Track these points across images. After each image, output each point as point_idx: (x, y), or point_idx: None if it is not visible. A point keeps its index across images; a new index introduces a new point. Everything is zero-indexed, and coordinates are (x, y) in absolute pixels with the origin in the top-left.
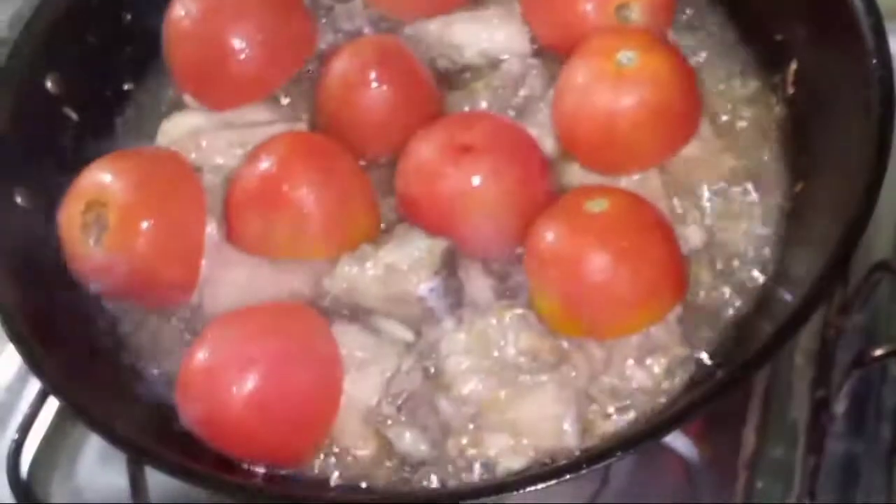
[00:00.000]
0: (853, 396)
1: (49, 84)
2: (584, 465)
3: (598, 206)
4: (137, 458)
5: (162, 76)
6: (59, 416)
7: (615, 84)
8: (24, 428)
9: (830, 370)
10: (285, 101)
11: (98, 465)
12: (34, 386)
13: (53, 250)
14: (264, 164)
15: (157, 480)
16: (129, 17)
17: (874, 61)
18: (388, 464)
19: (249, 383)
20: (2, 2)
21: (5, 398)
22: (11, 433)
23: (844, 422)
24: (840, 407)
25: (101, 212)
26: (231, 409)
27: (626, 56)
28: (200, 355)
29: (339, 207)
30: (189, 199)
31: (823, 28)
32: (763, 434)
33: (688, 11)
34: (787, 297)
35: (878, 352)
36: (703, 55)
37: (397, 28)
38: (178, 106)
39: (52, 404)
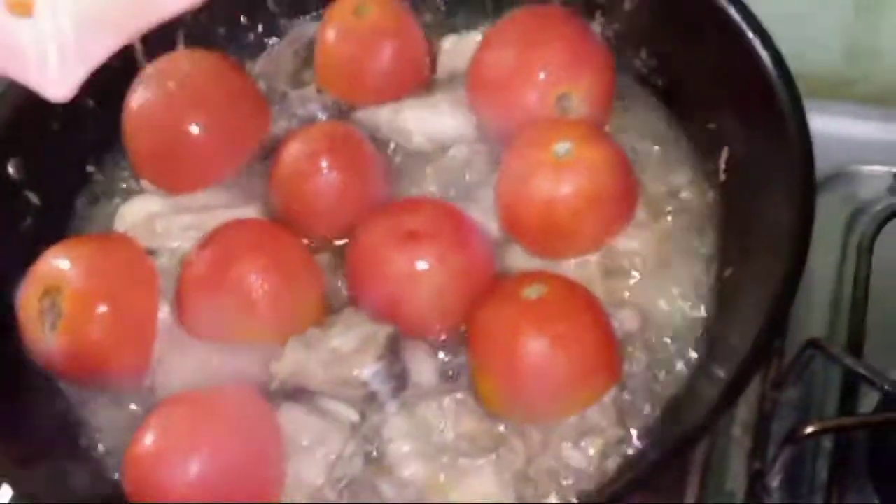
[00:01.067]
0: (788, 469)
1: (11, 170)
2: None
3: (535, 292)
4: None
5: (121, 159)
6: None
7: (553, 174)
8: None
9: (766, 442)
10: (240, 184)
11: None
12: None
13: (13, 335)
14: (213, 251)
15: None
16: (91, 102)
17: (798, 155)
18: None
19: (194, 468)
20: None
21: None
22: None
23: (779, 493)
24: (775, 479)
25: (56, 298)
26: (176, 494)
27: (563, 147)
28: (146, 440)
29: (286, 293)
30: (143, 284)
31: (752, 119)
32: None
33: (625, 101)
34: (717, 376)
35: (810, 429)
36: (639, 144)
37: (349, 113)
38: (137, 189)
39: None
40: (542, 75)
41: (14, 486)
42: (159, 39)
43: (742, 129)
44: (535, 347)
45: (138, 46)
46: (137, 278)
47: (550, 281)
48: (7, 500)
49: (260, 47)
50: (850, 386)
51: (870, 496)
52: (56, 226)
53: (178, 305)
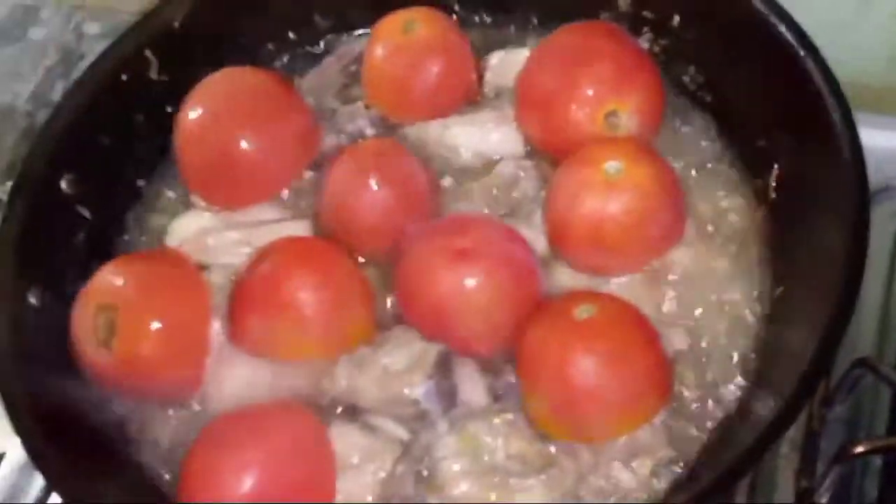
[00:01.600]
0: (836, 487)
1: (64, 185)
2: None
3: (586, 312)
4: None
5: (172, 173)
6: None
7: (603, 193)
8: None
9: (815, 461)
10: (290, 200)
11: None
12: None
13: (64, 349)
14: (264, 269)
15: None
16: (141, 118)
17: (851, 173)
18: None
19: (246, 485)
20: (21, 80)
21: (17, 480)
22: None
23: None
24: (824, 498)
25: (110, 315)
26: None
27: (614, 166)
28: (199, 456)
29: (337, 311)
30: (195, 300)
31: (802, 136)
32: None
33: (673, 118)
34: (769, 401)
35: (859, 449)
36: (688, 162)
37: (397, 129)
38: (187, 204)
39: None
40: (589, 92)
41: (64, 495)
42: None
43: (792, 147)
44: (586, 368)
45: (153, 59)
46: (190, 295)
47: (600, 300)
48: None
49: (308, 63)
50: None
51: None
52: (107, 240)
53: (230, 322)
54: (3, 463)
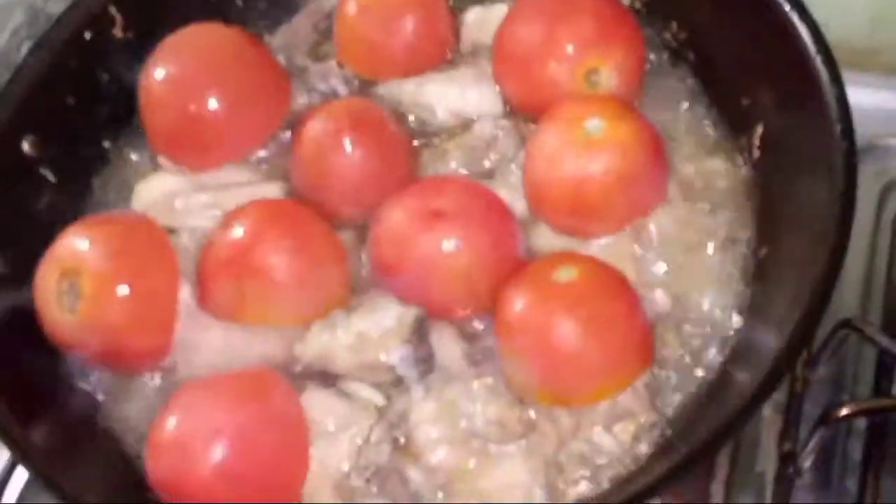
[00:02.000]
0: (820, 449)
1: (26, 146)
2: None
3: (566, 274)
4: None
5: (138, 135)
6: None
7: (583, 152)
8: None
9: (798, 423)
10: (260, 162)
11: None
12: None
13: (29, 316)
14: (235, 232)
15: None
16: (106, 77)
17: (838, 130)
18: None
19: (217, 453)
20: None
21: None
22: None
23: (811, 474)
24: (807, 461)
25: (75, 280)
26: (199, 479)
27: (594, 124)
28: (168, 425)
29: (310, 275)
30: (163, 265)
31: (788, 94)
32: (731, 487)
33: (654, 76)
34: (753, 364)
35: (844, 411)
36: (671, 119)
37: (370, 88)
38: (154, 166)
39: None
40: (570, 49)
41: (32, 468)
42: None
43: (777, 104)
44: (567, 331)
45: (117, 16)
46: (158, 259)
47: (581, 262)
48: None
49: (278, 20)
50: (885, 366)
51: None
52: (72, 204)
53: (200, 287)
54: None
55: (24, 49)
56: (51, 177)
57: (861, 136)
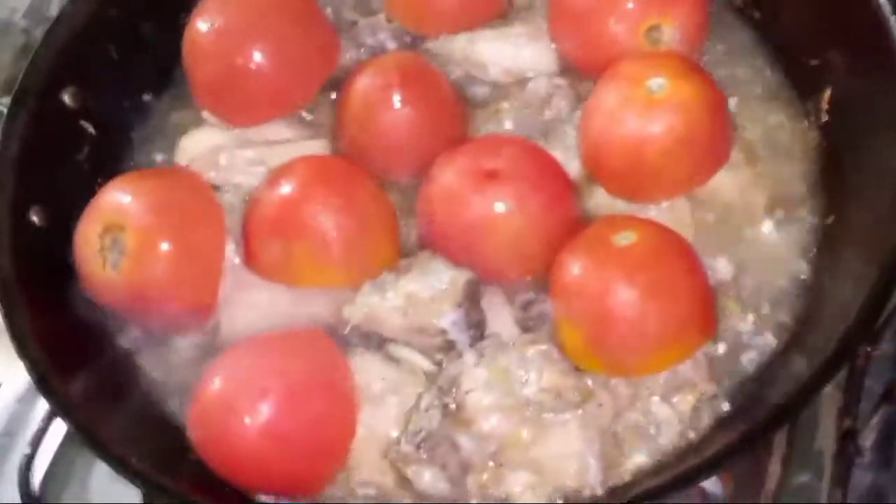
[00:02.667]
0: (882, 428)
1: (66, 98)
2: None
3: (625, 238)
4: (149, 492)
5: (181, 89)
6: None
7: (644, 111)
8: (35, 442)
9: (859, 400)
10: (307, 118)
11: (110, 480)
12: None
13: (69, 271)
14: (283, 190)
15: None
16: (147, 28)
17: None
18: (405, 497)
19: (263, 414)
20: None
21: (17, 410)
22: (23, 447)
23: (872, 453)
24: (868, 439)
25: (118, 235)
26: (244, 440)
27: (657, 83)
28: (214, 385)
29: (359, 235)
30: (208, 221)
31: (860, 56)
32: (788, 464)
33: (719, 35)
34: (818, 341)
35: None
36: (735, 80)
37: (421, 43)
38: (197, 121)
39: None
40: (630, 5)
41: (71, 423)
42: None
43: (849, 68)
44: (627, 298)
45: None
46: (203, 215)
47: (641, 226)
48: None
49: None
50: None
51: None
52: (112, 158)
53: (246, 245)
54: (1, 392)
55: (54, 2)
56: (91, 129)
57: None
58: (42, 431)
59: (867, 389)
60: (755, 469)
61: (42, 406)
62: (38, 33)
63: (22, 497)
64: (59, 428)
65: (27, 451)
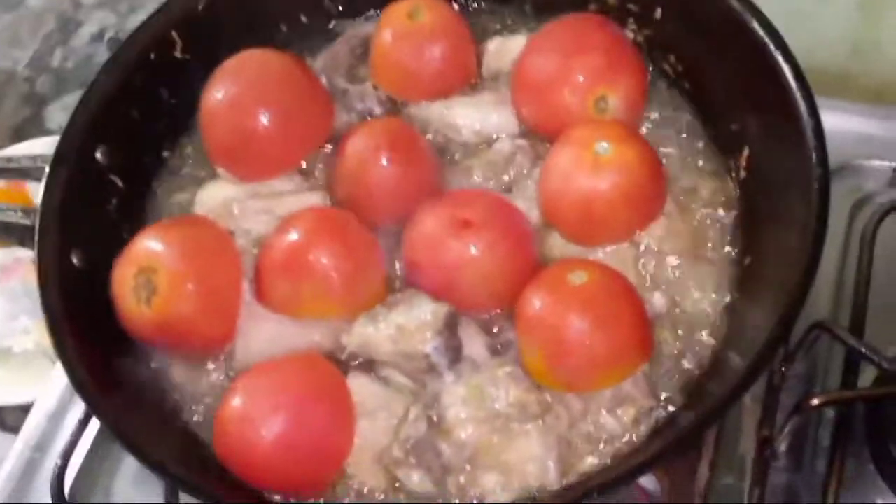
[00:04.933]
0: (793, 436)
1: (99, 155)
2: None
3: (578, 278)
4: (177, 486)
5: (196, 146)
6: (97, 442)
7: (592, 170)
8: (66, 454)
9: (774, 412)
10: (304, 173)
11: (134, 485)
12: (74, 416)
13: (105, 304)
14: (292, 236)
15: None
16: (166, 93)
17: (814, 158)
18: (395, 496)
19: (276, 426)
20: (20, 46)
21: (46, 427)
22: (52, 460)
23: (786, 458)
24: (782, 445)
25: (150, 276)
26: (261, 449)
27: (602, 146)
28: (233, 403)
29: (356, 274)
30: (228, 263)
31: (771, 123)
32: (715, 467)
33: (656, 104)
34: (737, 358)
35: (815, 401)
36: (668, 142)
37: (402, 108)
38: (211, 175)
39: (91, 432)
40: (581, 78)
41: (120, 437)
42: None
43: (762, 131)
44: (579, 327)
45: (177, 40)
46: (224, 258)
47: (592, 268)
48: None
49: (318, 45)
50: (852, 363)
51: (867, 461)
52: (138, 207)
53: (258, 283)
54: (32, 411)
55: (56, 54)
56: (119, 182)
57: (835, 156)
58: (72, 444)
59: (782, 404)
60: (688, 471)
61: (69, 423)
62: (41, 82)
63: (54, 501)
64: (87, 440)
65: (59, 462)
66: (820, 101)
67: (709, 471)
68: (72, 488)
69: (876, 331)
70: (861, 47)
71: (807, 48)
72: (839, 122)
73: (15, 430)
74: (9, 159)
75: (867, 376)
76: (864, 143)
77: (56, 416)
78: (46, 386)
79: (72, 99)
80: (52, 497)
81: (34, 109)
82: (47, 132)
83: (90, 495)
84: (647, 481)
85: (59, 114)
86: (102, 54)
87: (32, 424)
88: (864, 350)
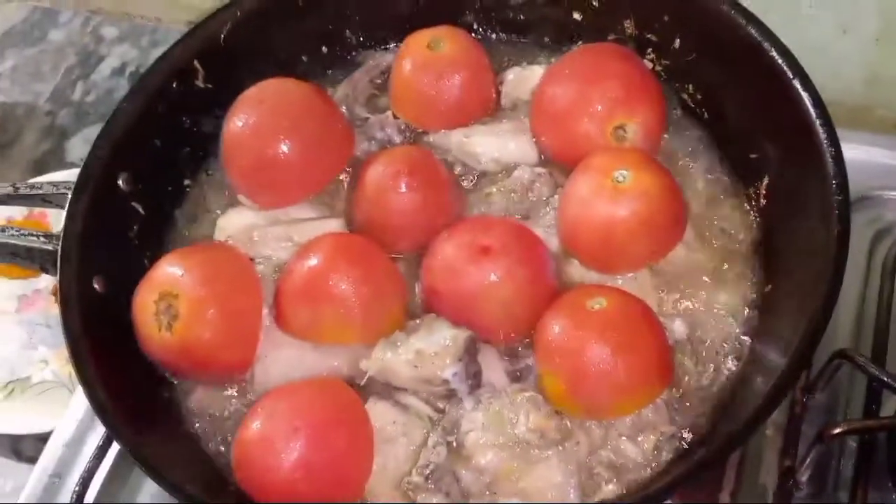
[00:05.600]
0: (815, 466)
1: (121, 183)
2: None
3: (598, 304)
4: None
5: (216, 174)
6: (115, 470)
7: (612, 198)
8: (85, 481)
9: (796, 442)
10: (325, 200)
11: None
12: (92, 443)
13: (126, 330)
14: (312, 262)
15: None
16: (187, 122)
17: (834, 184)
18: None
19: (295, 450)
20: (41, 80)
21: (64, 454)
22: (70, 486)
23: (807, 487)
24: (804, 475)
25: (172, 302)
26: (280, 471)
27: (622, 174)
28: (253, 426)
29: (376, 300)
30: (249, 289)
31: (792, 151)
32: (736, 497)
33: (674, 131)
34: (758, 385)
35: (836, 430)
36: (687, 171)
37: (422, 137)
38: (232, 202)
39: (109, 459)
40: (599, 108)
41: (144, 465)
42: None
43: (782, 160)
44: (599, 354)
45: (199, 69)
46: (244, 284)
47: (611, 294)
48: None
49: (339, 75)
50: (874, 392)
51: (889, 491)
52: (159, 233)
53: (278, 309)
54: (51, 437)
55: (77, 88)
56: (140, 209)
57: (855, 188)
58: (91, 472)
59: (804, 434)
60: (708, 501)
61: (88, 449)
62: (62, 116)
63: None
64: (104, 469)
65: (76, 489)
66: (840, 132)
67: (730, 500)
68: None
69: None
70: (879, 80)
71: (825, 81)
72: (859, 154)
73: (32, 460)
74: (31, 185)
75: (889, 407)
76: (884, 174)
77: (75, 444)
78: (65, 414)
79: (92, 132)
80: None
81: (55, 142)
82: (68, 165)
83: None
84: None
85: (79, 147)
86: (123, 88)
87: (51, 451)
88: (886, 379)
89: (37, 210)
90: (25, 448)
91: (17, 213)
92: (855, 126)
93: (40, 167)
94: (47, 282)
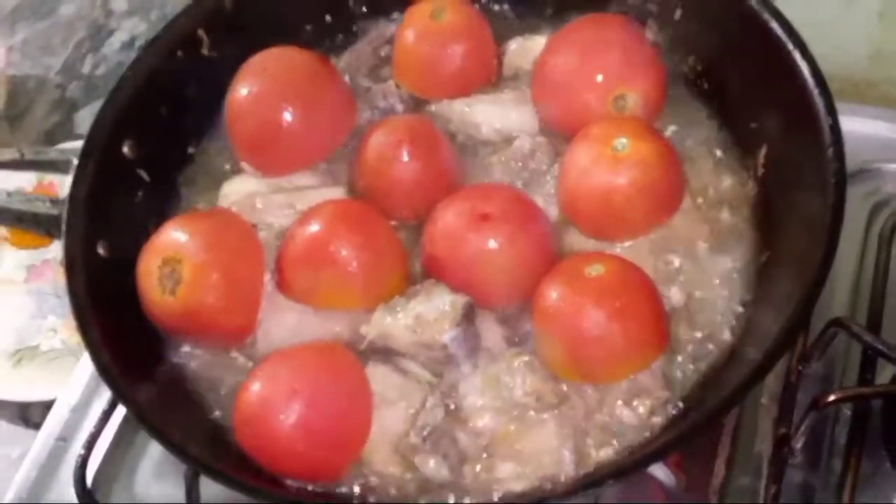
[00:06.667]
0: (810, 434)
1: (125, 150)
2: (580, 490)
3: (595, 270)
4: (199, 470)
5: (220, 142)
6: (120, 435)
7: (611, 166)
8: (89, 445)
9: (791, 410)
10: (327, 168)
11: (154, 477)
12: (97, 408)
13: (131, 293)
14: (313, 228)
15: (208, 493)
16: (191, 90)
17: (830, 152)
18: (411, 484)
19: (295, 412)
20: (51, 53)
21: (70, 418)
22: (76, 450)
23: (802, 456)
24: (798, 443)
25: (175, 267)
26: (280, 433)
27: (621, 142)
28: (254, 388)
29: (376, 265)
30: (251, 255)
31: (790, 121)
32: (731, 465)
33: (674, 102)
34: (752, 351)
35: (832, 398)
36: (686, 140)
37: (424, 106)
38: (235, 170)
39: (113, 424)
40: (600, 77)
41: (148, 426)
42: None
43: (780, 129)
44: (596, 319)
45: (204, 38)
46: (247, 250)
47: (608, 261)
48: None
49: (342, 44)
50: (869, 360)
51: (883, 459)
52: (162, 200)
53: (280, 274)
54: (56, 402)
55: (87, 61)
56: (145, 176)
57: (853, 160)
58: (95, 436)
59: (799, 402)
60: (703, 469)
61: (93, 414)
62: (72, 89)
63: (77, 492)
64: (109, 431)
65: (82, 452)
66: (840, 105)
67: (725, 468)
68: (94, 479)
69: (893, 329)
70: (882, 54)
71: (828, 55)
72: (859, 126)
73: (39, 426)
74: (37, 151)
75: (884, 375)
76: (883, 147)
77: (80, 409)
78: (67, 384)
79: None
80: (75, 487)
81: (65, 115)
82: (77, 137)
83: (112, 487)
84: (667, 478)
85: (88, 119)
86: None
87: (56, 415)
88: (881, 347)
89: (46, 181)
90: (34, 415)
91: (26, 183)
92: (858, 100)
93: (50, 139)
94: (56, 252)
